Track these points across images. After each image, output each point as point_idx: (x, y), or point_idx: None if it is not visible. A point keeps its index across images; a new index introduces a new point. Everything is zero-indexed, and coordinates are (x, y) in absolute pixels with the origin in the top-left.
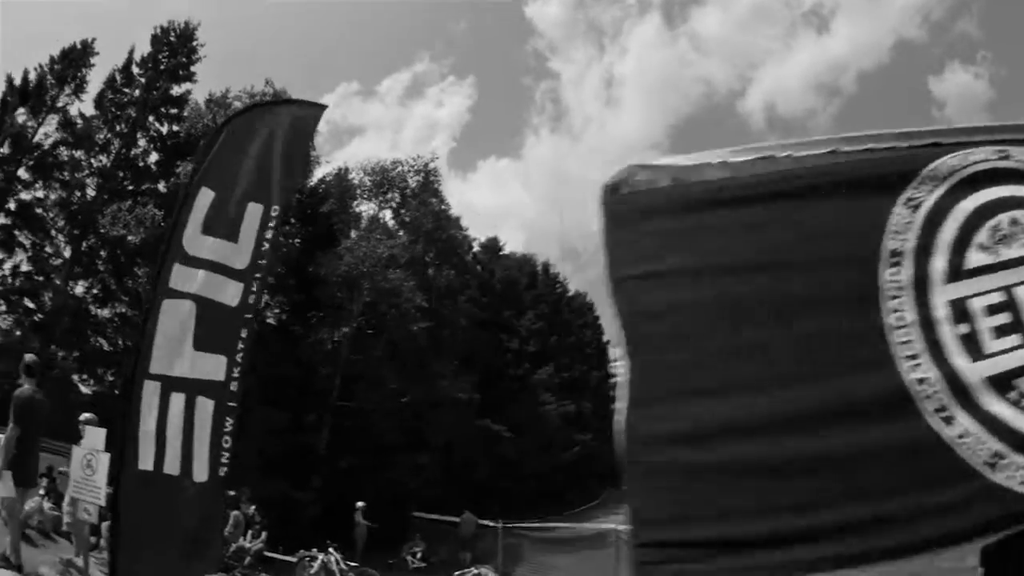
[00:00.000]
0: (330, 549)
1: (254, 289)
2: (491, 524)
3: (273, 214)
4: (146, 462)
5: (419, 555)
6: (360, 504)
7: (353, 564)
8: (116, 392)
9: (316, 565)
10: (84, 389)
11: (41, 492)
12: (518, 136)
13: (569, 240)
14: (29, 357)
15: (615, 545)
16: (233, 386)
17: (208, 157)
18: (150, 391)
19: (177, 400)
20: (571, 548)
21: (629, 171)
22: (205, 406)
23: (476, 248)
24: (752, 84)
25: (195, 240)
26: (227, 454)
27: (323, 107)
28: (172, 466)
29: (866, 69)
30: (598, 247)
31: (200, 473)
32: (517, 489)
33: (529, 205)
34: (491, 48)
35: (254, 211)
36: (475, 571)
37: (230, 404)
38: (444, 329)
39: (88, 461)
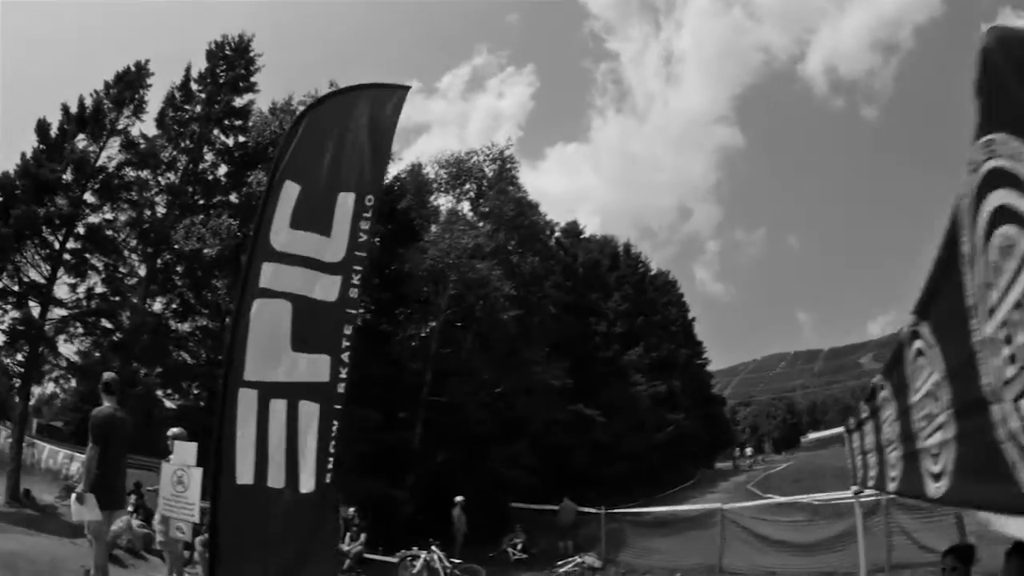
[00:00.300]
0: (433, 547)
1: (354, 282)
2: (592, 511)
3: (368, 203)
4: (245, 476)
5: (519, 546)
6: (459, 498)
7: (457, 561)
8: (201, 404)
9: (419, 564)
10: (169, 404)
11: (129, 509)
12: (584, 119)
13: (643, 219)
14: (108, 375)
15: (720, 524)
16: (340, 387)
17: (289, 150)
18: (247, 400)
19: (278, 407)
20: (673, 530)
21: (1003, 30)
22: (309, 411)
23: (557, 233)
24: (810, 47)
25: (284, 236)
26: (332, 460)
27: (406, 88)
28: (276, 478)
29: (920, 22)
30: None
31: (307, 483)
32: (612, 473)
33: (601, 188)
34: (547, 34)
35: (345, 201)
36: (578, 559)
37: (336, 407)
38: (533, 316)
39: (179, 477)
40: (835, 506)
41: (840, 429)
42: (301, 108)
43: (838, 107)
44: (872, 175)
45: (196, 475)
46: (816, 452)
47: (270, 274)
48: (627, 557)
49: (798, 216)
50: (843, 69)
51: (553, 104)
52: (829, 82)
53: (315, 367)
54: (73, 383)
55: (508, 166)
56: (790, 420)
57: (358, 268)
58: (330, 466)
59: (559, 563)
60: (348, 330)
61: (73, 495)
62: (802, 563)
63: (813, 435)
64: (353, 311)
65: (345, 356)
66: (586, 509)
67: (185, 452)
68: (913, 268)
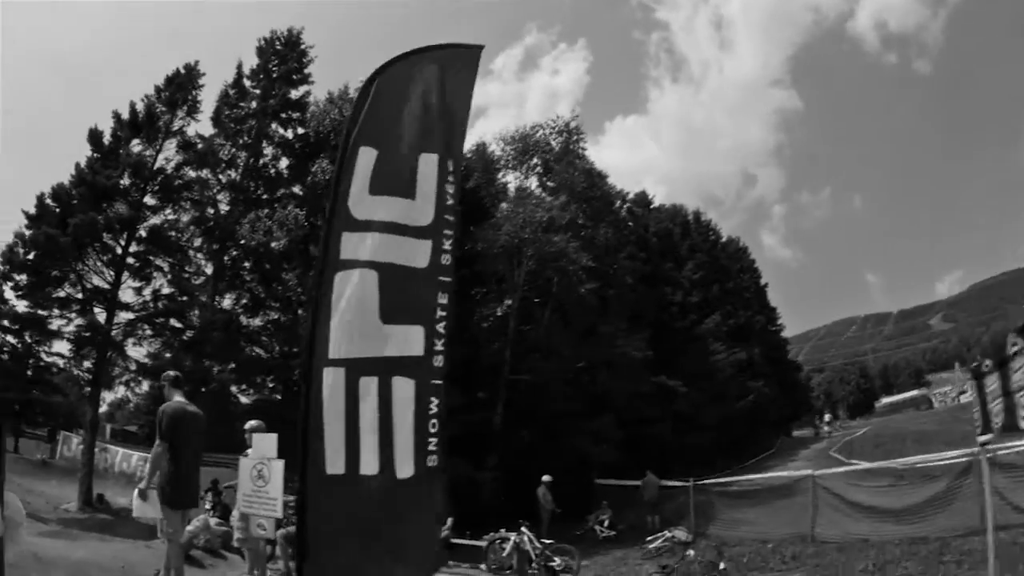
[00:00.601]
0: (522, 528)
1: (445, 247)
2: (678, 483)
3: (451, 167)
4: (335, 464)
5: (606, 523)
6: (546, 477)
7: (548, 541)
8: (277, 398)
9: (508, 547)
10: (244, 399)
11: (207, 507)
12: (640, 91)
13: (708, 188)
14: (172, 372)
15: (811, 492)
16: (437, 360)
17: (361, 115)
18: (333, 380)
19: (368, 385)
20: (761, 500)
21: None
22: (404, 388)
23: (627, 204)
24: (859, 3)
25: (363, 203)
26: (435, 440)
27: (479, 48)
28: (369, 465)
29: None
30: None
31: (404, 468)
32: (694, 444)
33: (663, 158)
34: (595, 8)
35: (428, 162)
36: (668, 534)
37: (435, 382)
38: (609, 288)
39: (259, 471)
40: (920, 470)
41: (914, 392)
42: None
43: (891, 62)
44: (931, 129)
45: (277, 468)
46: (890, 417)
47: (351, 244)
48: (716, 530)
49: (861, 175)
50: (893, 24)
51: (609, 78)
52: (880, 38)
53: (408, 340)
54: (145, 386)
55: (575, 138)
56: (863, 385)
57: (449, 233)
58: (431, 447)
59: (648, 539)
60: (443, 299)
61: (135, 491)
62: (894, 530)
63: (886, 399)
64: (447, 279)
65: (441, 327)
66: (672, 482)
67: (265, 444)
68: (977, 226)
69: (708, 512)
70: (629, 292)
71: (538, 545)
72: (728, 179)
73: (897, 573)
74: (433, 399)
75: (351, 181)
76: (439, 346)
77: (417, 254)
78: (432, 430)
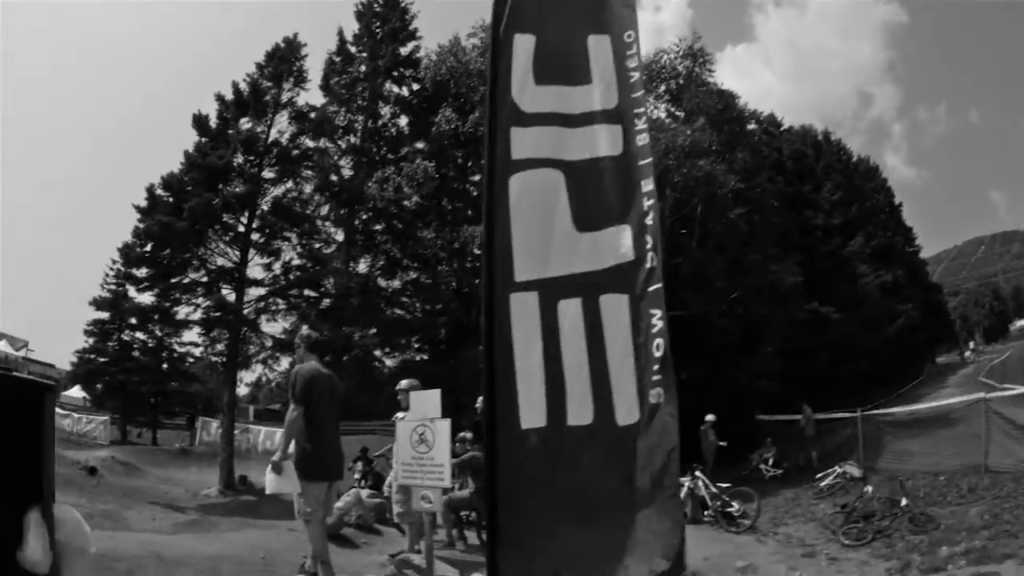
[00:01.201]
0: (696, 472)
1: (639, 127)
2: (843, 415)
3: (628, 39)
4: (533, 416)
5: (771, 462)
6: (709, 417)
7: (724, 485)
8: (424, 358)
9: (682, 493)
10: (388, 362)
11: (356, 476)
12: (745, 18)
13: (825, 111)
14: (309, 331)
15: (984, 418)
16: (651, 261)
17: (508, 2)
18: (523, 308)
19: (570, 310)
20: (928, 429)
21: None
22: (615, 306)
23: (761, 124)
24: None
25: (530, 94)
26: (658, 367)
27: None
28: (579, 412)
29: None
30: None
31: (628, 411)
32: (847, 373)
33: (777, 84)
34: None
35: (599, 42)
36: (839, 470)
37: (653, 288)
38: (755, 214)
39: (420, 435)
40: None
41: None
42: (474, 42)
43: None
44: None
45: (443, 429)
46: None
47: (524, 140)
48: (886, 463)
49: (972, 89)
50: None
51: (711, 8)
52: None
53: (614, 244)
54: (283, 363)
55: (700, 59)
56: (997, 308)
57: (640, 111)
58: (657, 377)
59: (818, 476)
60: (647, 186)
61: (269, 465)
62: None
63: (1020, 323)
64: (646, 161)
65: (651, 220)
66: (835, 414)
67: (425, 403)
68: None
69: (874, 445)
70: (775, 216)
71: (714, 489)
72: (844, 100)
73: None
74: (655, 312)
75: (511, 72)
76: (650, 245)
77: (607, 142)
78: (656, 354)
